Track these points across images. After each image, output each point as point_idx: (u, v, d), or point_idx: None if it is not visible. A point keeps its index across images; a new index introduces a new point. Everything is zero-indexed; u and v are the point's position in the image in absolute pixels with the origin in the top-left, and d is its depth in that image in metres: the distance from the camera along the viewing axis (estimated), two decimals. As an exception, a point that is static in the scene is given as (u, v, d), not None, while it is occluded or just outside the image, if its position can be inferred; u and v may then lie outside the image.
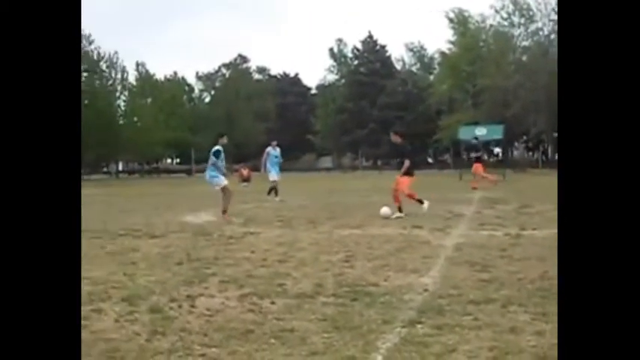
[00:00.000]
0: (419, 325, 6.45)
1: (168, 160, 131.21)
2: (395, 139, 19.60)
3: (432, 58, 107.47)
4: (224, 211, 18.36)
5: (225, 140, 19.39)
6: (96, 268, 10.22)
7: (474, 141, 38.85)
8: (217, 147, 18.93)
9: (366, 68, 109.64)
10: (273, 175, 27.34)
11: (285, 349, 5.84)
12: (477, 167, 35.30)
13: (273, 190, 27.23)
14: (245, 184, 28.49)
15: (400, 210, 18.36)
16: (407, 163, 18.89)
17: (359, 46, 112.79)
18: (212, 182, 18.90)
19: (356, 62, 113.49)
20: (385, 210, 18.14)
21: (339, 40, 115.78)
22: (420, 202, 19.00)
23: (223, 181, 18.76)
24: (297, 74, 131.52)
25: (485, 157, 67.38)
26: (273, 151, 28.37)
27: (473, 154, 39.63)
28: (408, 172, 18.94)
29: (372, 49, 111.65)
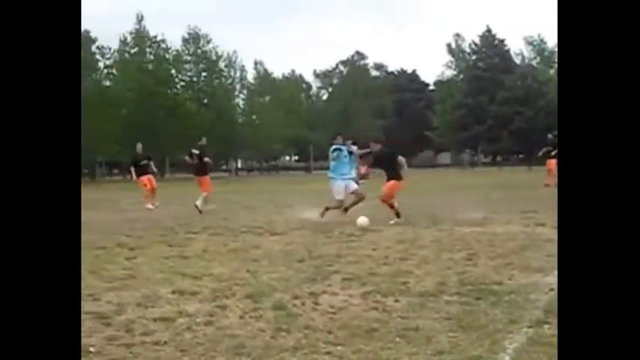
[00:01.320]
0: (546, 326, 6.32)
1: (287, 158, 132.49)
2: (374, 147, 18.54)
3: (552, 52, 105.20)
4: (344, 208, 17.84)
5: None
6: (219, 265, 10.38)
7: (550, 136, 37.06)
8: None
9: (485, 63, 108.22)
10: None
11: (410, 348, 5.80)
12: (551, 164, 33.57)
13: None
14: (362, 181, 28.42)
15: (398, 215, 17.06)
16: (402, 160, 17.76)
17: (477, 40, 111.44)
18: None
19: (474, 57, 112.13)
20: (362, 220, 15.89)
21: (457, 35, 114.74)
22: (398, 214, 16.98)
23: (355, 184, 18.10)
24: (414, 70, 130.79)
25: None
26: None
27: (544, 150, 37.29)
28: (399, 177, 17.41)
29: (491, 44, 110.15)
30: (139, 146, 26.09)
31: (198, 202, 21.64)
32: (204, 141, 24.25)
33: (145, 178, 25.13)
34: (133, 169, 26.00)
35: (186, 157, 23.96)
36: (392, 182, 17.28)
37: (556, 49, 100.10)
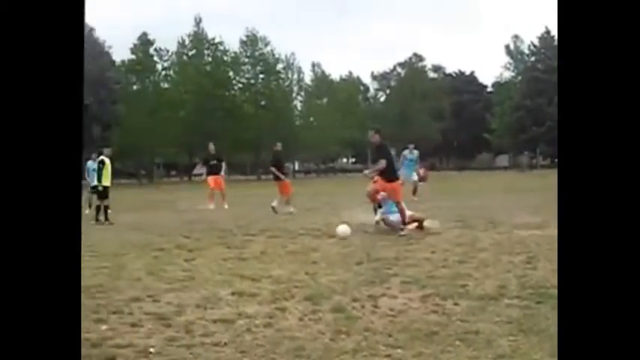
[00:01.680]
0: (608, 330, 6.23)
1: (344, 160, 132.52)
2: (373, 138, 16.11)
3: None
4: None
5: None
6: (278, 267, 10.41)
7: None
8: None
9: (544, 64, 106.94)
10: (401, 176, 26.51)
11: (470, 351, 5.76)
12: None
13: (414, 190, 26.98)
14: (421, 183, 28.39)
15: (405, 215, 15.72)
16: (382, 163, 15.35)
17: (536, 42, 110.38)
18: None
19: (533, 59, 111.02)
20: (343, 228, 14.85)
21: (516, 37, 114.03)
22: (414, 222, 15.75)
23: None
24: (472, 72, 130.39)
25: None
26: (410, 154, 28.35)
27: None
28: (394, 178, 15.85)
29: (550, 45, 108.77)
30: (212, 146, 26.52)
31: (291, 208, 22.33)
32: (279, 146, 24.38)
33: (211, 179, 25.45)
34: (204, 168, 26.47)
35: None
36: (395, 184, 15.80)
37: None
